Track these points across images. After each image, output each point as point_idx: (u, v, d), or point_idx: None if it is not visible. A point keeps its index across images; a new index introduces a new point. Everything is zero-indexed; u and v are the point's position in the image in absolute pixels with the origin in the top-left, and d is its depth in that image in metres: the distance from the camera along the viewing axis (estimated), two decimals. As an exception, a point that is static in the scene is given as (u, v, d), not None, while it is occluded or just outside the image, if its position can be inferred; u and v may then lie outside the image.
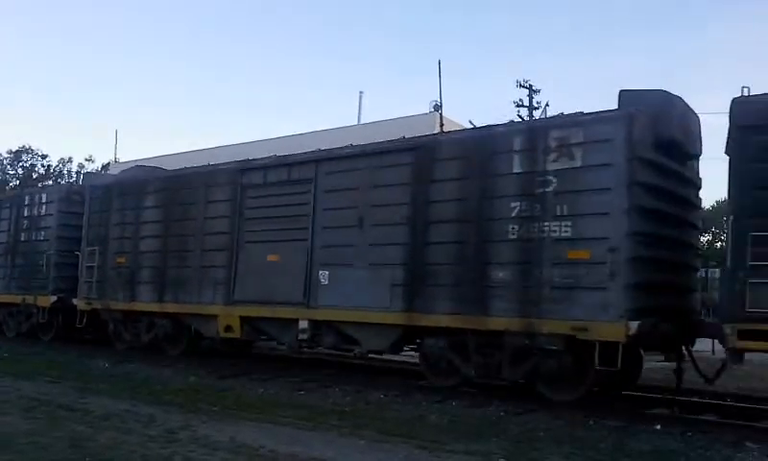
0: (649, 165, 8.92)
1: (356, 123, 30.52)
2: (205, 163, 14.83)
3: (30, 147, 48.81)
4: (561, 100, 65.85)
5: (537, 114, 32.85)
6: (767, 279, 7.44)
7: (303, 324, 11.84)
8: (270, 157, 13.16)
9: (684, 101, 9.77)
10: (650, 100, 9.41)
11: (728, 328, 7.75)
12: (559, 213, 9.17)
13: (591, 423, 8.20)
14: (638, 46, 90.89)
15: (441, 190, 10.41)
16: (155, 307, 14.51)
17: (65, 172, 49.65)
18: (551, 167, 9.32)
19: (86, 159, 49.29)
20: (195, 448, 6.65)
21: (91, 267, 16.00)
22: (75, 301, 16.42)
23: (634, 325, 8.41)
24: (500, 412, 8.86)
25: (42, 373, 11.77)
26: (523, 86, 34.13)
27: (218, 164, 14.23)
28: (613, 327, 8.53)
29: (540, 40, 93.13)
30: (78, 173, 48.57)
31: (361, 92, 50.24)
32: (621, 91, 9.56)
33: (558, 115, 9.62)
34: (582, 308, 8.85)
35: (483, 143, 10.13)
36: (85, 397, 9.53)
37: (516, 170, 9.66)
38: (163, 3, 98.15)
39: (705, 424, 8.16)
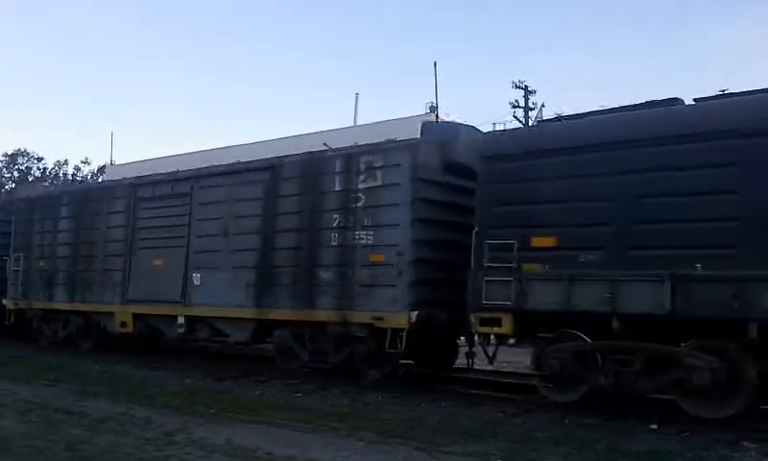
0: (433, 185, 10.85)
1: (352, 124, 30.76)
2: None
3: (25, 150, 49.03)
4: (558, 100, 66.54)
5: (533, 115, 33.10)
6: (498, 277, 9.39)
7: (181, 319, 13.76)
8: (159, 173, 15.05)
9: (476, 130, 11.73)
10: (441, 130, 11.42)
11: (473, 317, 9.72)
12: (365, 224, 11.12)
13: (589, 423, 8.31)
14: (637, 46, 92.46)
15: (284, 204, 12.34)
16: (68, 306, 16.37)
17: (61, 174, 49.80)
18: (361, 186, 11.26)
19: (82, 162, 48.79)
20: (191, 450, 6.63)
21: (17, 271, 17.81)
22: (4, 301, 18.26)
23: (414, 314, 10.37)
24: (498, 413, 8.98)
25: (39, 376, 11.76)
26: (519, 88, 34.04)
27: (118, 179, 16.10)
28: (400, 317, 10.49)
29: (538, 41, 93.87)
30: (73, 175, 49.14)
31: (357, 94, 49.87)
32: (423, 123, 11.54)
33: (368, 144, 11.56)
34: (379, 302, 10.80)
35: (315, 165, 12.07)
36: (82, 400, 9.49)
37: (337, 188, 11.59)
38: (161, 3, 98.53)
39: (702, 424, 8.06)
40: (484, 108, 78.81)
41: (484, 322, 9.62)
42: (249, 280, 12.59)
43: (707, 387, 8.10)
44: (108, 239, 15.53)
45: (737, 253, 7.75)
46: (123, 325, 14.83)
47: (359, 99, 40.40)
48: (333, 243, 11.50)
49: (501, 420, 8.64)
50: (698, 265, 7.93)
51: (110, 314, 15.25)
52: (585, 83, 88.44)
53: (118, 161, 38.08)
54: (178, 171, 14.60)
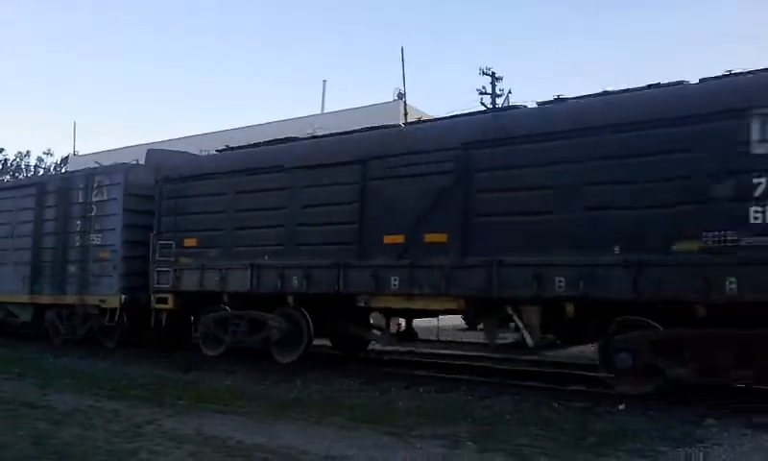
0: (143, 198, 14.31)
1: (320, 112, 30.76)
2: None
3: None
4: (524, 86, 67.41)
5: (499, 102, 32.69)
6: (164, 268, 12.99)
7: (-17, 304, 17.12)
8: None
9: (193, 155, 15.19)
10: (160, 155, 14.95)
11: (152, 297, 13.31)
12: (96, 229, 14.59)
13: (556, 405, 8.37)
14: (606, 31, 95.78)
15: (48, 213, 15.74)
16: None
17: (23, 166, 50.58)
18: (94, 199, 14.72)
19: (45, 153, 49.75)
20: (161, 441, 6.56)
21: None
22: None
23: (123, 297, 13.92)
24: (467, 397, 9.01)
25: (2, 370, 11.69)
26: (486, 74, 33.69)
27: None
28: (115, 299, 14.04)
29: (508, 26, 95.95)
30: (36, 166, 49.45)
31: (324, 81, 49.00)
32: (148, 150, 15.02)
33: (102, 166, 15.04)
34: (104, 288, 14.31)
35: (67, 182, 15.49)
36: (48, 393, 9.38)
37: (80, 201, 15.03)
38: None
39: (666, 403, 8.28)
40: (449, 94, 79.42)
41: (158, 300, 13.23)
42: (25, 273, 16.00)
43: (282, 340, 11.82)
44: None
45: (284, 249, 11.46)
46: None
47: (327, 86, 38.10)
48: (77, 244, 14.97)
49: (470, 403, 8.69)
50: (266, 257, 11.64)
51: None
52: (550, 69, 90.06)
53: (81, 152, 37.35)
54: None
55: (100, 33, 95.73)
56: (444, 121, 10.33)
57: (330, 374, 10.85)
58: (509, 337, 10.34)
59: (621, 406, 8.09)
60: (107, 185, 14.58)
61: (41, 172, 45.50)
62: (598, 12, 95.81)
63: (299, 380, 10.49)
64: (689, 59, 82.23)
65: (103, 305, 14.34)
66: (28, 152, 50.16)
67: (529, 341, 9.21)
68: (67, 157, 43.14)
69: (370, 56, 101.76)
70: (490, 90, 33.40)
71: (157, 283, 13.12)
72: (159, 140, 28.36)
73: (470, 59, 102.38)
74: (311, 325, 11.66)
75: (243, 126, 26.62)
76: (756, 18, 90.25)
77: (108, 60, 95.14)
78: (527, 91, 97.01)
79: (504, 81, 34.16)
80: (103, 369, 12.30)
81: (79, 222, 15.00)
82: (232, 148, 13.14)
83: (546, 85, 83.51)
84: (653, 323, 8.43)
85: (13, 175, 46.16)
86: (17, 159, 49.81)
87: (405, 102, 24.31)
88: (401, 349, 12.17)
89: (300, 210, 11.25)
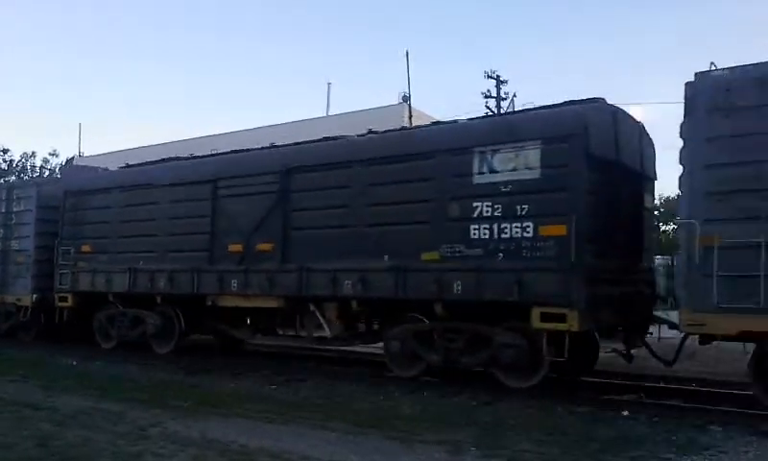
0: (53, 209, 16.15)
1: (325, 114, 31.60)
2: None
3: None
4: (530, 89, 67.72)
5: (505, 105, 33.20)
6: (65, 271, 14.86)
7: None
8: None
9: (100, 170, 17.12)
10: (74, 171, 16.83)
11: (56, 297, 15.14)
12: (16, 236, 16.48)
13: (560, 410, 8.37)
14: (608, 33, 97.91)
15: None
16: None
17: (29, 167, 51.70)
18: (15, 209, 16.62)
19: (50, 154, 49.21)
20: (165, 444, 6.58)
21: None
22: None
23: (34, 297, 15.78)
24: (471, 402, 8.99)
25: (6, 372, 11.59)
26: (491, 77, 33.96)
27: None
28: (27, 298, 15.90)
29: (510, 30, 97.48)
30: (41, 168, 50.32)
31: (329, 83, 50.01)
32: (64, 166, 16.89)
33: (22, 180, 16.89)
34: (20, 288, 16.19)
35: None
36: (52, 395, 9.39)
37: (3, 210, 16.92)
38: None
39: (670, 409, 8.38)
40: (454, 97, 79.90)
41: (60, 299, 15.09)
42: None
43: (158, 334, 13.64)
44: None
45: (155, 256, 13.31)
46: None
47: (331, 88, 40.31)
48: (0, 249, 16.87)
49: (474, 408, 8.70)
50: (141, 262, 13.50)
51: None
52: (554, 71, 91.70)
53: (87, 153, 37.40)
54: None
55: (100, 33, 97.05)
56: (273, 149, 12.26)
57: (334, 378, 10.95)
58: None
59: (625, 413, 8.16)
60: (23, 198, 16.48)
61: (47, 173, 46.86)
62: (598, 12, 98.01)
63: (302, 384, 10.46)
64: (690, 59, 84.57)
65: (19, 303, 16.22)
66: (33, 153, 50.28)
67: (327, 333, 11.08)
68: (72, 159, 44.28)
69: (373, 56, 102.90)
70: (494, 94, 34.00)
71: (60, 284, 15.00)
72: (158, 143, 29.05)
73: (475, 60, 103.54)
74: (182, 321, 13.55)
75: (244, 129, 27.54)
76: (757, 18, 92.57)
77: (108, 61, 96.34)
78: (532, 93, 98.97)
79: (509, 84, 34.80)
80: (105, 370, 12.17)
81: (1, 230, 16.90)
82: (128, 166, 15.06)
83: (548, 85, 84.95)
84: (423, 318, 10.30)
85: (19, 175, 47.38)
86: (23, 160, 51.04)
87: (410, 105, 25.06)
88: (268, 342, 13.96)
89: (167, 222, 13.14)
